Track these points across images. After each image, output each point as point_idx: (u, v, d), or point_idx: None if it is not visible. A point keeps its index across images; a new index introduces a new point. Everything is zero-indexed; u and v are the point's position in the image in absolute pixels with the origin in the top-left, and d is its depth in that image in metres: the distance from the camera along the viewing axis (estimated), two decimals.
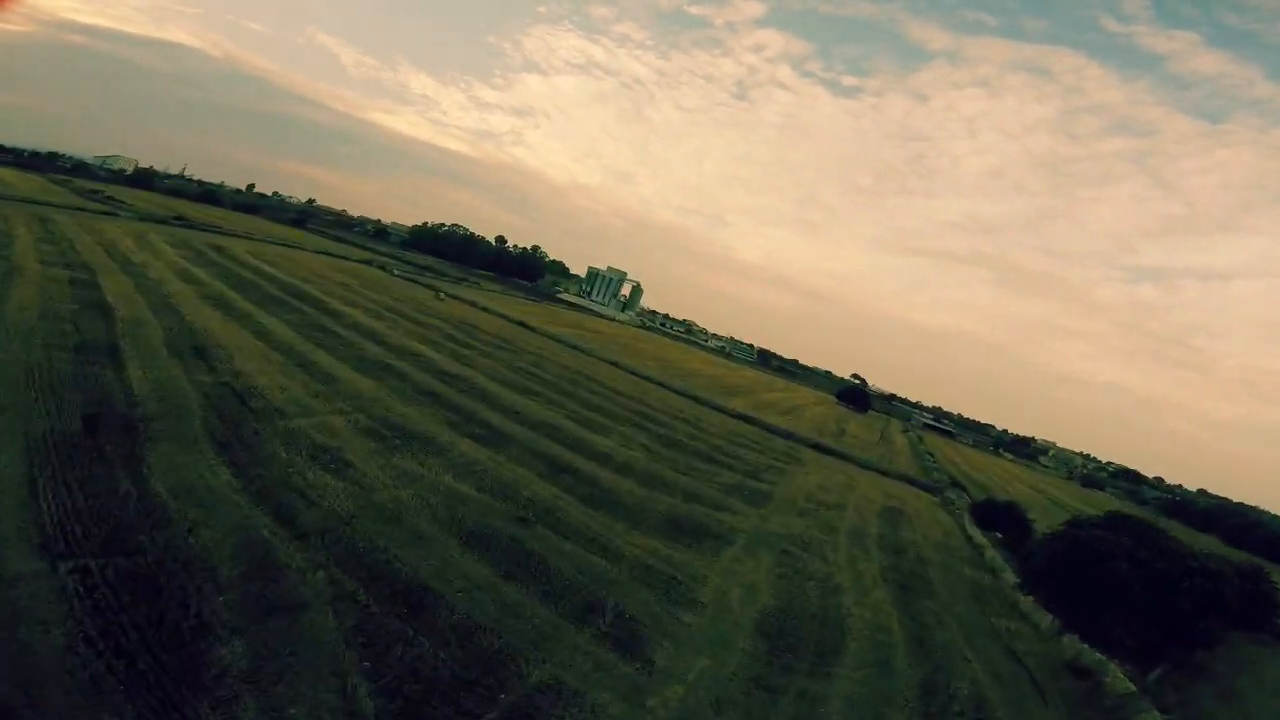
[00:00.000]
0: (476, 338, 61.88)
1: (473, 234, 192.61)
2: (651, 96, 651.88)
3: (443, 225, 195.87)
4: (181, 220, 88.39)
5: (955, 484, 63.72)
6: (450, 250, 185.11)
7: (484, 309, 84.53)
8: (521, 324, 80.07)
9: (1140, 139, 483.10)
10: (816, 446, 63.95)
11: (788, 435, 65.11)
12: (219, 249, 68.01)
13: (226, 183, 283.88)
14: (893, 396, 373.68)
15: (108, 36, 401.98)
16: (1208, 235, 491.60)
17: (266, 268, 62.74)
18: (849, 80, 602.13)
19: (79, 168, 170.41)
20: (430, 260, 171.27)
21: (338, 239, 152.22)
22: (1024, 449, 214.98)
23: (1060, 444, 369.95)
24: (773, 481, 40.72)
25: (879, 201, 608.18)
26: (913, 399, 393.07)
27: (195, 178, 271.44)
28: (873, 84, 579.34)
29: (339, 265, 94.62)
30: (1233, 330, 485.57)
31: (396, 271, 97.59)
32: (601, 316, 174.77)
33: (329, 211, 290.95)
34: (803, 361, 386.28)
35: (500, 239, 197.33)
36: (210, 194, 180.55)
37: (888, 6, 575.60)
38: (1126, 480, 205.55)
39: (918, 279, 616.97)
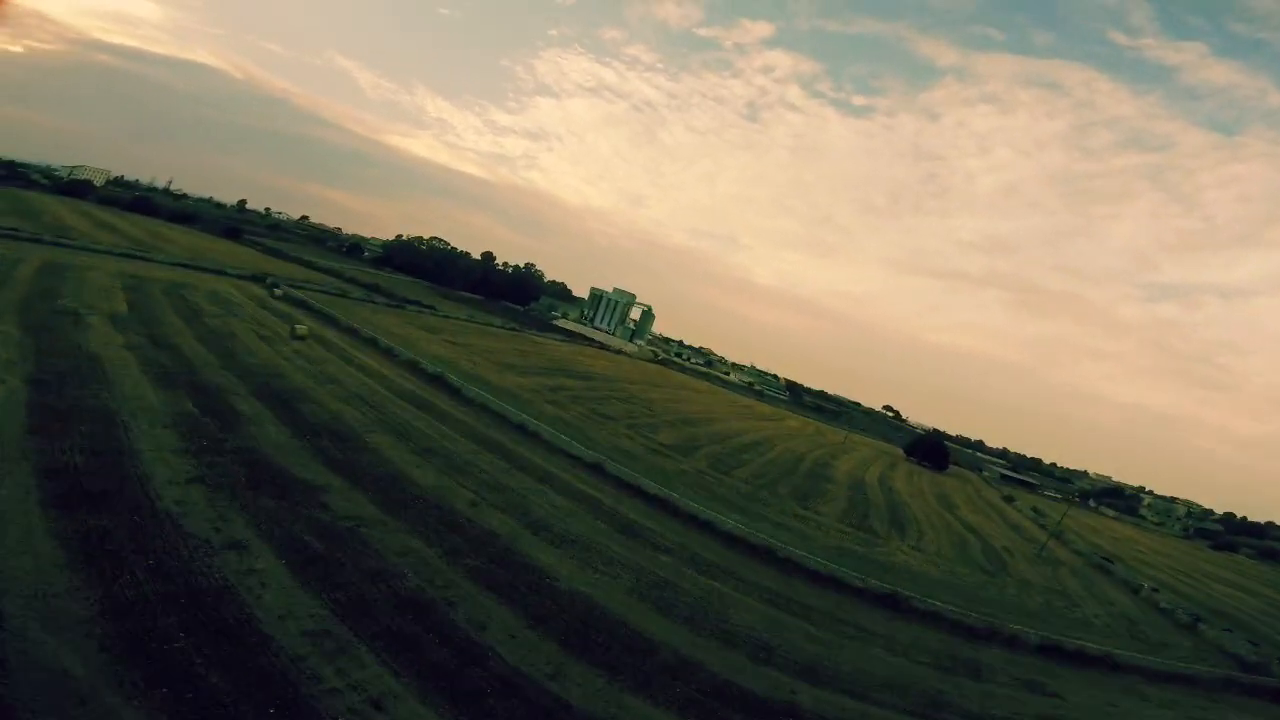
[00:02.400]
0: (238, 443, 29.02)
1: (454, 250, 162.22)
2: (663, 119, 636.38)
3: (420, 239, 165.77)
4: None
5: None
6: (427, 268, 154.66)
7: (385, 350, 52.12)
8: (437, 380, 47.34)
9: (1154, 153, 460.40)
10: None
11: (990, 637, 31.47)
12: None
13: (250, 203, 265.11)
14: (936, 431, 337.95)
15: (133, 56, 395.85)
16: (1228, 250, 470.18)
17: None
18: (859, 99, 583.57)
19: (12, 174, 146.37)
20: (398, 280, 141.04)
21: (274, 252, 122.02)
22: (1117, 499, 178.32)
23: (1081, 467, 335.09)
24: None
25: (893, 221, 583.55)
26: (947, 429, 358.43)
27: (180, 191, 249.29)
28: (883, 103, 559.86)
29: (193, 278, 63.51)
30: (1259, 347, 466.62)
31: (279, 291, 66.21)
32: (605, 348, 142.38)
33: (312, 227, 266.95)
34: (830, 392, 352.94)
35: (488, 255, 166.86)
36: (144, 202, 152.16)
37: (895, 24, 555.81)
38: (1235, 529, 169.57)
39: (934, 300, 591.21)
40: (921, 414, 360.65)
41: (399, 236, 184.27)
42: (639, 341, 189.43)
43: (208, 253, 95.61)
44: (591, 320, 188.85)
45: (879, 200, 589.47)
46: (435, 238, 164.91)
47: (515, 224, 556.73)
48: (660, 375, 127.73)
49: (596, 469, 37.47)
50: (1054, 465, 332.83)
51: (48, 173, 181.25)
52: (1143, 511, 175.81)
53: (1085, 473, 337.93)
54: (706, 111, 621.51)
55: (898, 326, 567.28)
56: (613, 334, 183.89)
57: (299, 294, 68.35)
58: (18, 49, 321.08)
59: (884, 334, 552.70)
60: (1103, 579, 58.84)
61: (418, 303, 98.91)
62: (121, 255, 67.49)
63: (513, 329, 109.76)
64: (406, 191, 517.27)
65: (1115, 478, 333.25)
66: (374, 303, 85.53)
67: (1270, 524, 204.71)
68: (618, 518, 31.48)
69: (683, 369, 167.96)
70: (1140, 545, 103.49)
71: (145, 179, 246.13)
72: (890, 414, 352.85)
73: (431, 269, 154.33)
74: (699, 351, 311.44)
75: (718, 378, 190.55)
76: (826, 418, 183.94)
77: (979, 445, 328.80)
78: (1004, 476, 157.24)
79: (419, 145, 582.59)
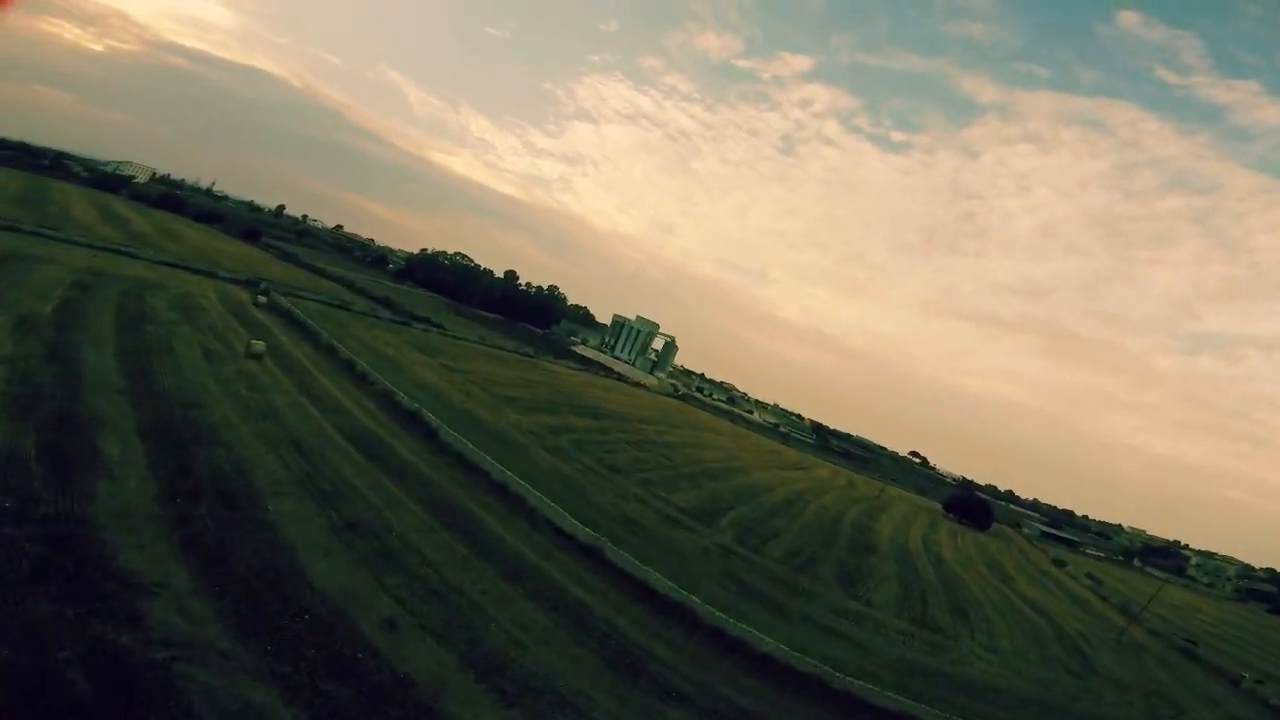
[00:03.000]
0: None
1: (476, 266, 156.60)
2: (697, 149, 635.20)
3: (444, 254, 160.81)
4: None
5: None
6: (447, 283, 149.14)
7: (359, 376, 44.29)
8: (411, 418, 39.28)
9: (1201, 196, 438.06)
10: None
11: None
12: None
13: (290, 209, 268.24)
14: (967, 482, 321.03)
15: (202, 60, 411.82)
16: (1274, 300, 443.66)
17: None
18: (897, 136, 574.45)
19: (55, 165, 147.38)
20: (415, 295, 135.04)
21: (289, 257, 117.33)
22: (1162, 558, 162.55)
23: (1113, 519, 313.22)
24: None
25: (927, 261, 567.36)
26: (976, 478, 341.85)
27: (222, 192, 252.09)
28: (922, 140, 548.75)
29: (172, 278, 57.25)
30: None
31: (263, 299, 59.36)
32: (623, 380, 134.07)
33: (344, 236, 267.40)
34: (856, 434, 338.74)
35: (510, 274, 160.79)
36: (171, 199, 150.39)
37: (937, 60, 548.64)
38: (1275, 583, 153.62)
39: (965, 343, 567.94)
40: (948, 461, 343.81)
41: (423, 250, 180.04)
42: (659, 374, 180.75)
43: (215, 253, 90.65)
44: (612, 349, 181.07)
45: (913, 238, 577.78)
46: (459, 253, 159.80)
47: (546, 245, 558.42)
48: (680, 413, 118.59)
49: (592, 554, 28.61)
50: (1086, 518, 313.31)
51: (91, 166, 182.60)
52: (1191, 571, 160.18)
53: (1120, 526, 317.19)
54: (741, 143, 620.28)
55: (926, 369, 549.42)
56: (633, 364, 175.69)
57: (288, 303, 61.56)
58: (99, 48, 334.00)
59: (911, 376, 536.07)
60: (1194, 669, 51.82)
61: (426, 320, 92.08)
62: (104, 250, 61.73)
63: (526, 354, 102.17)
64: (444, 208, 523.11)
65: (1150, 530, 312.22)
66: (376, 317, 78.74)
67: None
68: (613, 642, 22.51)
69: (703, 405, 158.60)
70: (1204, 615, 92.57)
71: (191, 178, 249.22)
72: (918, 460, 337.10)
73: (452, 285, 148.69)
74: (721, 386, 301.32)
75: (741, 416, 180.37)
76: (855, 464, 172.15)
77: (1010, 496, 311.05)
78: (1044, 534, 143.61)
79: (459, 163, 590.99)
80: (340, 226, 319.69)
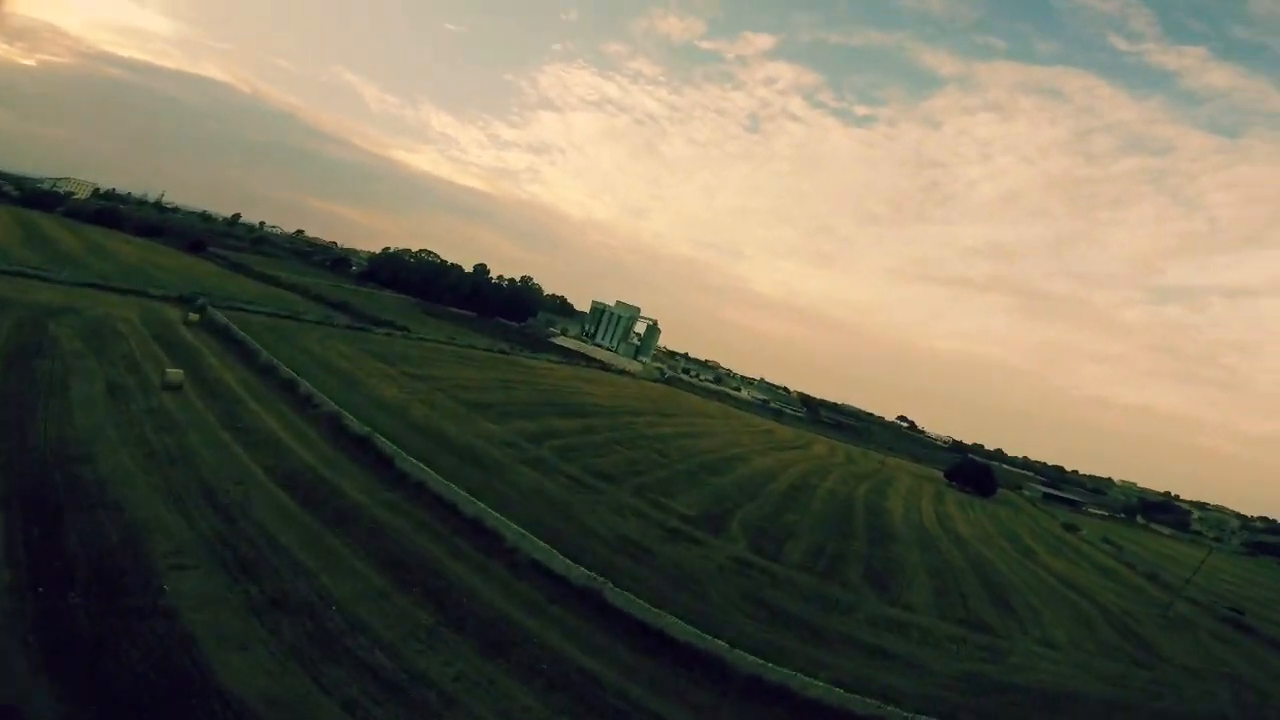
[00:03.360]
0: None
1: (443, 262, 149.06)
2: (664, 131, 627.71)
3: (408, 252, 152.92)
4: None
5: None
6: (413, 282, 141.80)
7: (303, 398, 38.48)
8: (362, 445, 33.92)
9: (1157, 157, 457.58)
10: None
11: None
12: None
13: (248, 217, 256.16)
14: (957, 444, 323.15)
15: (143, 70, 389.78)
16: (1233, 252, 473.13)
17: None
18: (861, 110, 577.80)
19: None
20: (379, 297, 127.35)
21: (238, 267, 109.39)
22: (1163, 513, 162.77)
23: (1093, 471, 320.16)
24: None
25: (895, 230, 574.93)
26: (962, 438, 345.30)
27: (172, 204, 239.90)
28: (885, 113, 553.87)
29: (88, 300, 50.52)
30: (1265, 346, 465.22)
31: (195, 317, 52.87)
32: (607, 369, 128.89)
33: (305, 241, 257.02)
34: (842, 403, 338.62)
35: (480, 268, 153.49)
36: (108, 214, 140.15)
37: (897, 34, 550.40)
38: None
39: (938, 307, 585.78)
40: (936, 424, 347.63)
41: (386, 249, 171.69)
42: (644, 359, 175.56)
43: (151, 269, 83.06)
44: (593, 337, 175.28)
45: (880, 209, 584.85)
46: (424, 250, 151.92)
47: (518, 238, 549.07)
48: (669, 399, 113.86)
49: (591, 599, 23.58)
50: (1077, 473, 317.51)
51: (24, 184, 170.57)
52: (1195, 526, 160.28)
53: (1110, 480, 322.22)
54: (708, 123, 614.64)
55: (901, 334, 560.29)
56: (616, 351, 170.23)
57: (226, 318, 55.01)
58: (30, 63, 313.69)
59: (888, 342, 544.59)
60: (1254, 644, 49.35)
61: (390, 324, 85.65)
62: (10, 274, 54.48)
63: (501, 351, 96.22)
64: (409, 206, 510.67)
65: (1140, 483, 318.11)
66: (331, 325, 72.24)
67: None
68: None
69: (692, 388, 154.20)
70: (1227, 576, 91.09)
71: (139, 192, 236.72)
72: (905, 425, 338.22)
73: (418, 283, 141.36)
74: (706, 366, 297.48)
75: (729, 395, 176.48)
76: (848, 436, 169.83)
77: (1000, 455, 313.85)
78: (1045, 495, 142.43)
79: (423, 160, 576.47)
80: (301, 231, 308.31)
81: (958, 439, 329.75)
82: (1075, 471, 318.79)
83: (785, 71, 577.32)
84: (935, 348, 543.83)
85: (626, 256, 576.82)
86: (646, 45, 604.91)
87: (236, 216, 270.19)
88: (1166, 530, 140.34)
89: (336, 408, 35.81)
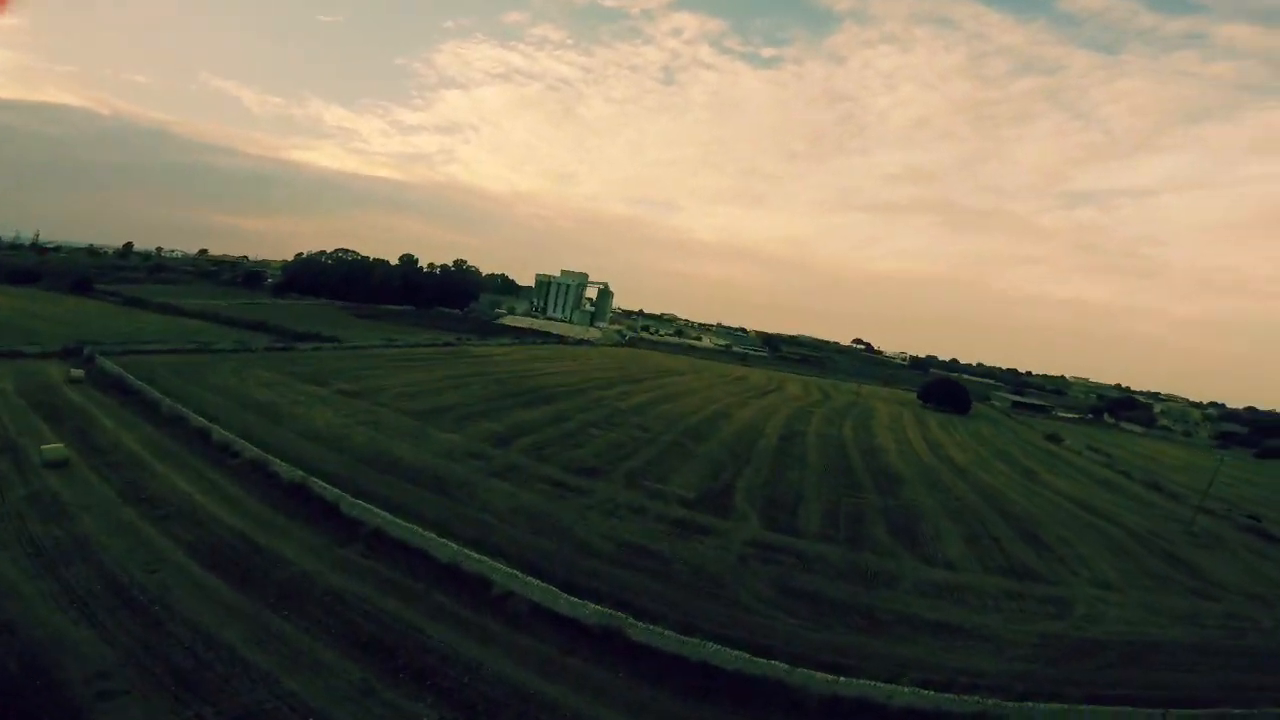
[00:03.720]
0: None
1: (365, 259, 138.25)
2: (580, 94, 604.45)
3: (323, 254, 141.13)
4: None
5: None
6: (334, 285, 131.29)
7: (220, 448, 32.56)
8: (296, 496, 29.12)
9: (1048, 76, 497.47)
10: None
11: None
12: None
13: (142, 243, 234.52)
14: (914, 360, 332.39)
15: None
16: (1129, 158, 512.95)
17: None
18: (768, 51, 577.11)
19: None
20: (298, 307, 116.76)
21: (134, 302, 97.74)
22: (1129, 412, 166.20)
23: (1043, 370, 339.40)
24: None
25: (818, 164, 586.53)
26: (916, 353, 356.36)
27: (51, 242, 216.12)
28: (790, 52, 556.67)
29: None
30: (1175, 237, 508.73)
31: (77, 373, 44.88)
32: (565, 341, 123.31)
33: (210, 260, 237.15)
34: (799, 335, 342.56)
35: (408, 258, 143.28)
36: None
37: None
38: (1261, 428, 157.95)
39: (870, 233, 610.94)
40: (887, 342, 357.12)
41: (299, 255, 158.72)
42: (600, 325, 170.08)
43: (27, 321, 72.18)
44: (544, 310, 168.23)
45: (800, 146, 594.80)
46: (341, 249, 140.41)
47: (445, 222, 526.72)
48: (635, 362, 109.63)
49: (610, 641, 19.41)
50: (1030, 374, 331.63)
51: None
52: (1163, 422, 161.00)
53: (1064, 378, 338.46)
54: (623, 81, 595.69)
55: (841, 261, 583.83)
56: (570, 321, 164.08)
57: (119, 367, 47.06)
58: None
59: (830, 270, 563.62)
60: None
61: (316, 336, 77.68)
62: None
63: (447, 344, 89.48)
64: (319, 206, 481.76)
65: (1092, 378, 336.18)
66: (249, 350, 64.19)
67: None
68: None
69: (655, 345, 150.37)
70: (1223, 477, 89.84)
71: (9, 234, 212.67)
72: (862, 347, 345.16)
73: (341, 285, 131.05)
74: (663, 320, 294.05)
75: (693, 347, 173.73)
76: (814, 370, 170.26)
77: (955, 365, 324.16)
78: (1014, 404, 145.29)
79: (323, 156, 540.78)
80: (205, 251, 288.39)
81: (914, 354, 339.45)
82: (1029, 373, 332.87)
83: (690, 21, 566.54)
84: (874, 270, 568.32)
85: (563, 224, 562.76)
86: (548, 10, 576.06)
87: (129, 246, 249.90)
88: (1138, 428, 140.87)
89: (260, 452, 29.95)
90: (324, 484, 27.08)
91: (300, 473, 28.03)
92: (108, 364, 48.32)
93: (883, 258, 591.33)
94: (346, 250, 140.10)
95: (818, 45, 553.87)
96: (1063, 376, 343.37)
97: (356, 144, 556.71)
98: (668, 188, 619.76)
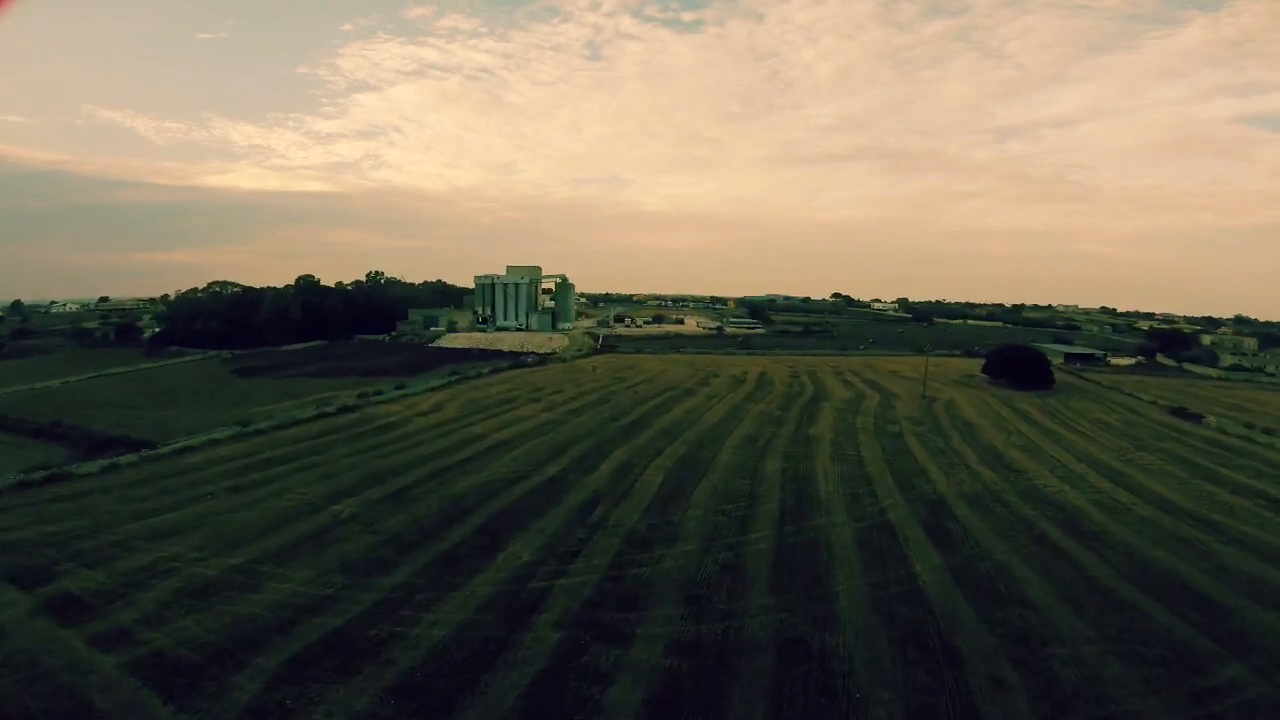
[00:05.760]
0: None
1: (249, 290, 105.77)
2: (505, 81, 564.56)
3: (195, 291, 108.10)
4: None
5: None
6: (214, 330, 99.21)
7: None
8: None
9: (957, 17, 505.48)
10: None
11: None
12: None
13: (41, 295, 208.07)
14: (908, 302, 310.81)
15: None
16: (1045, 90, 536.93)
17: None
18: (688, 15, 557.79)
19: None
20: (165, 370, 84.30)
21: None
22: (1184, 348, 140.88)
23: (1068, 302, 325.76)
24: None
25: (754, 123, 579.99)
26: (911, 298, 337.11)
27: None
28: (710, 14, 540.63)
29: None
30: (1100, 162, 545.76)
31: None
32: (522, 362, 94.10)
33: (95, 312, 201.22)
34: (778, 296, 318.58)
35: (307, 279, 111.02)
36: None
37: None
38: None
39: (815, 184, 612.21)
40: (862, 291, 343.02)
41: (180, 293, 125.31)
42: (564, 326, 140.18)
43: None
44: (492, 320, 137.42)
45: (734, 106, 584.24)
46: (217, 282, 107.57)
47: (384, 228, 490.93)
48: (622, 380, 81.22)
49: None
50: (1019, 307, 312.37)
51: None
52: (1224, 360, 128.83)
53: (1051, 307, 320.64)
54: (548, 62, 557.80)
55: (793, 215, 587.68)
56: (528, 329, 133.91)
57: None
58: None
59: (782, 227, 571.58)
60: None
61: (121, 441, 47.19)
62: None
63: (344, 409, 59.42)
64: (244, 231, 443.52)
65: (1081, 305, 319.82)
66: (52, 484, 33.66)
67: None
68: None
69: (639, 346, 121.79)
70: None
71: None
72: (839, 299, 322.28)
73: (221, 330, 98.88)
74: (634, 302, 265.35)
75: (678, 335, 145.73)
76: (826, 344, 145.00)
77: (940, 306, 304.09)
78: (1067, 356, 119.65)
79: (242, 178, 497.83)
80: (105, 298, 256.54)
81: (904, 300, 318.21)
82: (1020, 305, 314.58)
83: None
84: (825, 220, 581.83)
85: (512, 215, 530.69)
86: (454, 0, 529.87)
87: (16, 304, 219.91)
88: (1213, 372, 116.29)
89: None
90: None
91: None
92: None
93: (830, 207, 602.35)
94: (221, 283, 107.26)
95: (735, 4, 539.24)
96: (1051, 306, 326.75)
97: (274, 160, 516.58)
98: (612, 163, 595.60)
